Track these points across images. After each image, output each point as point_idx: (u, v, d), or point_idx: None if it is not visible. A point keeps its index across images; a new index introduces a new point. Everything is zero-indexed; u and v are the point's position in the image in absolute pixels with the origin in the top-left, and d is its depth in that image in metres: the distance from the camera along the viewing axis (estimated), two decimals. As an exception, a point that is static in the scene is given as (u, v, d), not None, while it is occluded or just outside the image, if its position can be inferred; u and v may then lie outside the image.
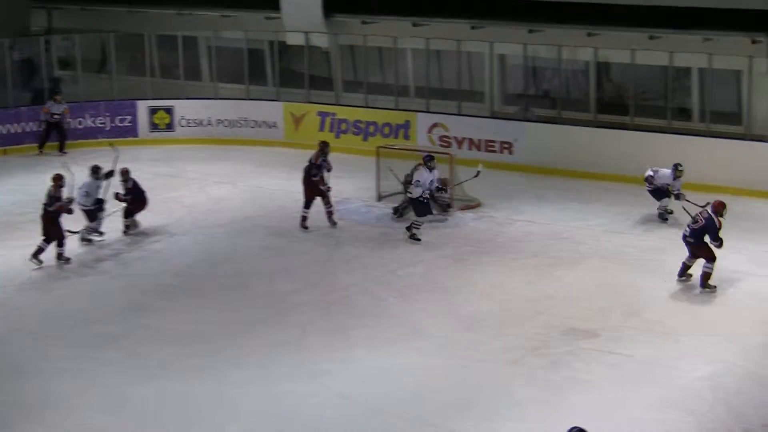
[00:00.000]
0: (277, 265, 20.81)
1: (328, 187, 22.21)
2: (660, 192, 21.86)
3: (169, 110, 29.68)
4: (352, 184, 24.58)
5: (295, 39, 30.43)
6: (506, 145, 25.91)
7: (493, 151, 25.97)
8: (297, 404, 15.31)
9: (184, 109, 29.61)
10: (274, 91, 30.74)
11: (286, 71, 31.28)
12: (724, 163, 23.43)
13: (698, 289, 18.67)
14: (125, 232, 22.28)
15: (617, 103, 26.42)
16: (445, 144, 25.85)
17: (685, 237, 18.75)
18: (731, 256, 19.79)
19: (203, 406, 15.39)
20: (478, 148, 26.10)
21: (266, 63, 31.60)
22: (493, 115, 27.48)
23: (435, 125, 26.67)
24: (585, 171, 24.29)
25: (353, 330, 17.58)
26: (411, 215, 22.05)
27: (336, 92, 30.24)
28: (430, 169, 21.43)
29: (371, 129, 27.73)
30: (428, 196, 21.44)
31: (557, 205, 23.03)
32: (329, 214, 22.45)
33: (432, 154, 21.69)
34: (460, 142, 26.26)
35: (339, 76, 30.54)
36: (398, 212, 22.88)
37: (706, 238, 18.42)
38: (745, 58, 24.41)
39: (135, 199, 22.18)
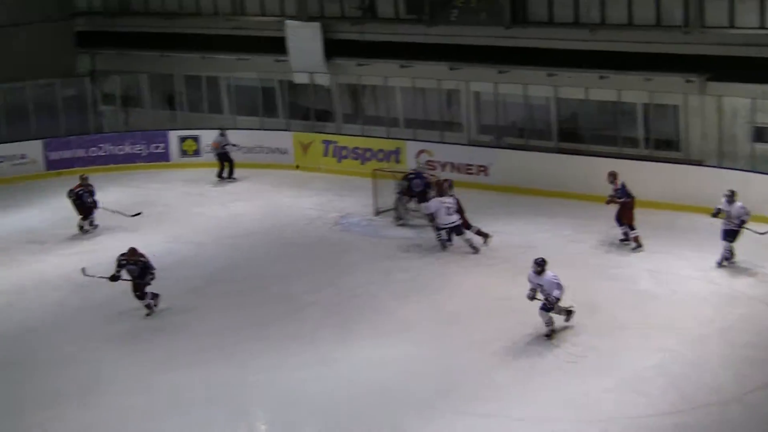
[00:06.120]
0: (291, 270, 20.77)
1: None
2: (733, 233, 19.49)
3: (195, 139, 29.40)
4: (353, 202, 24.55)
5: (301, 78, 30.29)
6: (482, 168, 25.74)
7: (471, 173, 25.82)
8: (310, 387, 15.45)
9: (209, 138, 29.10)
10: (285, 123, 30.61)
11: (294, 106, 31.10)
12: (666, 184, 23.42)
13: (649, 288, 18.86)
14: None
15: (575, 132, 26.29)
16: (430, 167, 25.77)
17: None
18: (675, 262, 19.91)
19: (228, 391, 15.50)
20: (459, 171, 25.94)
21: (277, 98, 31.31)
22: (470, 143, 27.25)
23: (422, 151, 26.45)
24: (549, 190, 24.18)
25: (356, 325, 17.62)
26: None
27: (337, 123, 30.04)
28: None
29: (368, 154, 27.46)
30: None
31: (526, 219, 22.77)
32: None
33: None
34: (443, 166, 26.09)
35: (339, 110, 30.32)
36: (399, 218, 23.14)
37: None
38: (681, 95, 24.46)
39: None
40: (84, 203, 23.64)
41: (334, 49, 29.64)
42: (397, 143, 27.37)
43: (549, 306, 16.63)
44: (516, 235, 22.02)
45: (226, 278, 20.52)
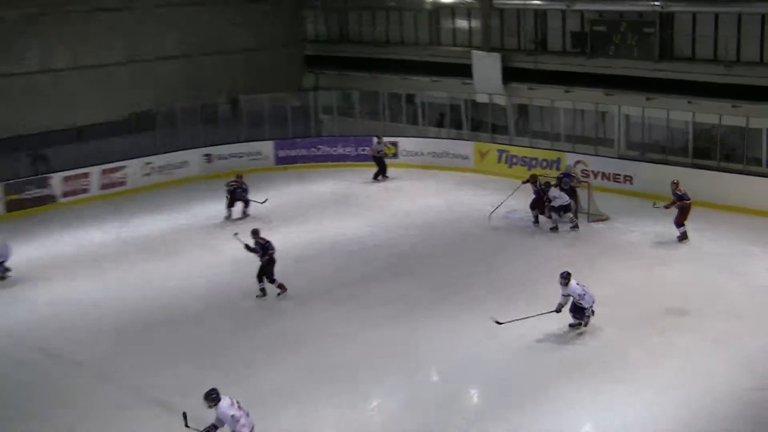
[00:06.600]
0: (465, 254, 21.20)
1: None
2: None
3: (395, 144, 29.99)
4: (519, 201, 24.30)
5: (482, 98, 30.53)
6: (628, 178, 25.67)
7: (618, 182, 25.90)
8: (477, 352, 15.98)
9: (406, 143, 29.99)
10: (467, 134, 31.04)
11: (476, 120, 31.39)
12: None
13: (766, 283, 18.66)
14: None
15: (708, 151, 26.15)
16: (585, 175, 25.89)
17: None
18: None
19: (406, 348, 16.25)
20: (608, 179, 26.00)
21: (462, 114, 31.62)
22: (619, 156, 27.19)
23: (578, 161, 26.55)
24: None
25: (516, 304, 17.55)
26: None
27: (510, 136, 30.09)
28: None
29: (533, 162, 27.69)
30: None
31: (664, 222, 22.18)
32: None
33: None
34: (596, 174, 26.10)
35: (512, 125, 30.49)
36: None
37: None
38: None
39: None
40: (235, 198, 24.28)
41: (510, 75, 29.87)
42: (558, 154, 27.47)
43: (579, 308, 16.69)
44: (654, 234, 22.04)
45: (413, 259, 21.00)
